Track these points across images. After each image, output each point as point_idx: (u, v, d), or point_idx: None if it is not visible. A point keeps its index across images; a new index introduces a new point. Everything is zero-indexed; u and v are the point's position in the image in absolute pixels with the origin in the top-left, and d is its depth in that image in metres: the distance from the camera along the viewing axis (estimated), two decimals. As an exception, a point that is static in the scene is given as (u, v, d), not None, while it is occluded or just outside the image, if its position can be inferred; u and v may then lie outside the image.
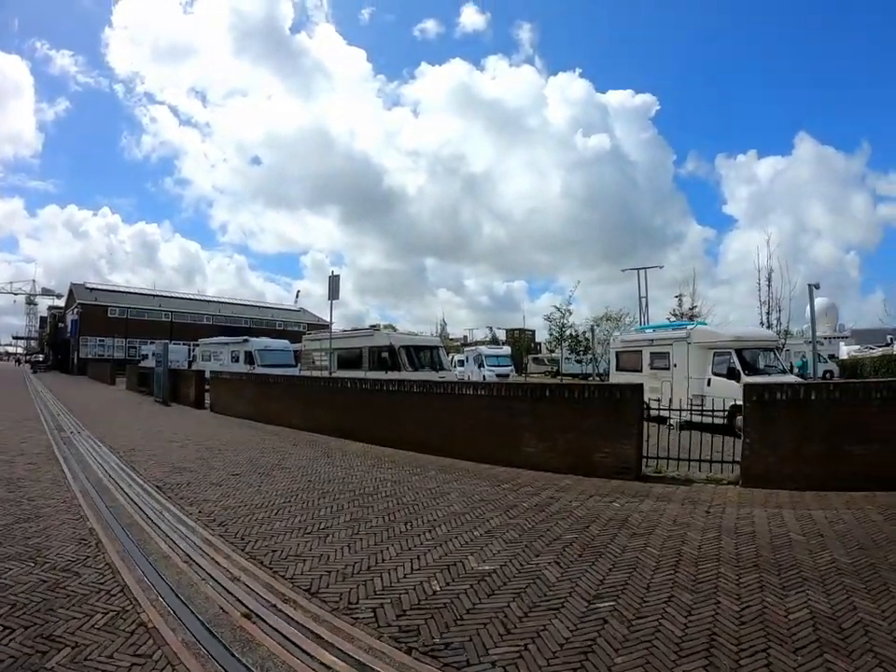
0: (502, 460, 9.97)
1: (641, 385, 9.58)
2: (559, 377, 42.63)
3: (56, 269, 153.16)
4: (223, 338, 35.34)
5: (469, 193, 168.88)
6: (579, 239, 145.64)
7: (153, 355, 24.47)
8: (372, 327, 32.80)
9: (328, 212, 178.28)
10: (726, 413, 10.48)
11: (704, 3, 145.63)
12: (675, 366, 16.49)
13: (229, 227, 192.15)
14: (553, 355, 61.70)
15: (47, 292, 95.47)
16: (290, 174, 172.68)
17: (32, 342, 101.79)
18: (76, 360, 61.22)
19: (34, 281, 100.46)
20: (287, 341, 33.64)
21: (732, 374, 14.42)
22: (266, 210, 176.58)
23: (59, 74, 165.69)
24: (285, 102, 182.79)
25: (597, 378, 41.07)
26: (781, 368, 15.90)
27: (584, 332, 43.28)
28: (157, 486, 8.07)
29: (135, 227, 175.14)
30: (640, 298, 44.56)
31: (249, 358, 29.38)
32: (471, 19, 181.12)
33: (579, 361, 45.96)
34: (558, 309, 42.62)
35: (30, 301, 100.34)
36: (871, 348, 37.94)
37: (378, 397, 12.61)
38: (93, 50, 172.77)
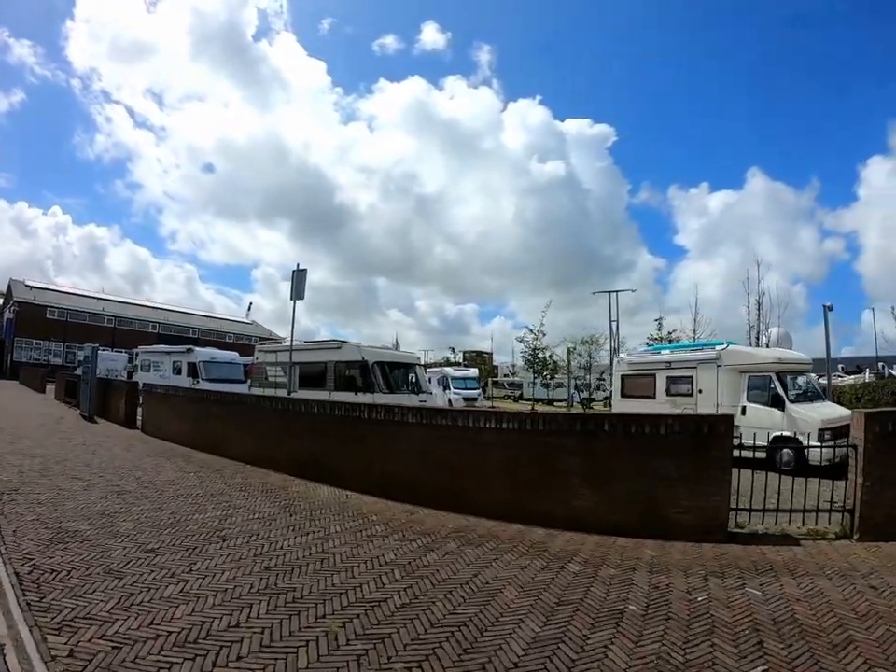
0: (538, 517, 7.28)
1: (731, 415, 7.26)
2: (532, 404, 39.81)
3: (0, 267, 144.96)
4: (165, 346, 31.38)
5: (421, 213, 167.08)
6: (530, 264, 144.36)
7: (84, 359, 20.87)
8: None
9: (278, 225, 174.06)
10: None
11: (662, 37, 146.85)
12: (700, 392, 14.06)
13: (178, 235, 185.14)
14: (515, 378, 59.50)
15: None
16: (243, 184, 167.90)
17: None
18: (9, 363, 55.94)
19: None
20: (235, 353, 30.02)
21: (775, 401, 12.29)
22: (216, 220, 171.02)
23: (16, 63, 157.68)
24: (241, 110, 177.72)
25: (580, 406, 38.71)
26: (818, 393, 13.63)
27: (551, 355, 40.94)
28: (16, 574, 4.82)
29: (85, 229, 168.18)
30: (611, 321, 43.12)
31: (193, 371, 25.71)
32: (431, 37, 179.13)
33: (545, 385, 43.48)
34: (531, 330, 39.99)
35: None
36: (840, 376, 36.74)
37: (358, 427, 9.51)
38: (53, 43, 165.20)
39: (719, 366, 13.77)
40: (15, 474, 9.04)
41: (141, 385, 18.59)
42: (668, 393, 14.98)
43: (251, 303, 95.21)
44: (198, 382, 24.82)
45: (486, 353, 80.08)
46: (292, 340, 16.19)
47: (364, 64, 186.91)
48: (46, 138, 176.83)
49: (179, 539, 6.10)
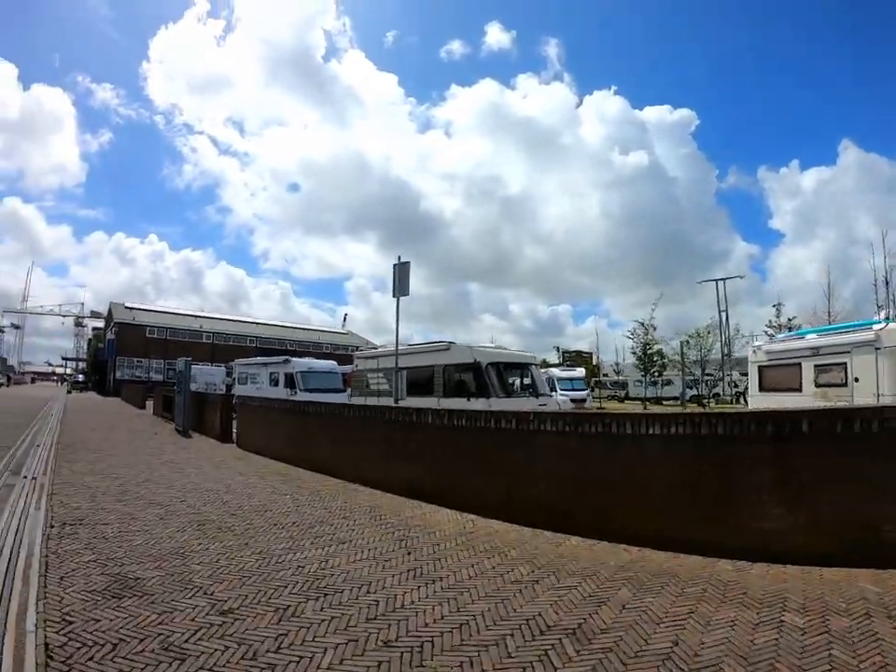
0: (716, 546, 5.65)
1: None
2: (644, 403, 37.28)
3: (105, 294, 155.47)
4: (261, 358, 31.15)
5: (508, 216, 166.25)
6: (620, 260, 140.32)
7: (178, 373, 20.47)
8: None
9: (367, 238, 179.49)
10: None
11: (736, 13, 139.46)
12: (856, 381, 11.98)
13: (271, 254, 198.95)
14: (619, 377, 56.82)
15: (95, 314, 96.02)
16: (328, 200, 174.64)
17: (80, 363, 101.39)
18: (112, 381, 59.00)
19: (82, 304, 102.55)
20: (334, 361, 29.29)
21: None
22: (306, 237, 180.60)
23: (100, 106, 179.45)
24: (320, 129, 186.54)
25: (698, 404, 36.01)
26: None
27: (659, 350, 38.45)
28: (45, 647, 3.59)
29: (181, 254, 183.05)
30: (720, 311, 40.53)
31: (290, 382, 25.09)
32: (496, 37, 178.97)
33: (654, 383, 40.93)
34: (642, 324, 37.62)
35: (78, 323, 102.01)
36: None
37: (482, 439, 7.95)
38: (133, 84, 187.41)
39: (878, 349, 11.62)
40: (86, 499, 8.04)
41: (235, 397, 17.84)
42: (817, 384, 12.94)
43: (346, 314, 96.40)
44: (295, 393, 24.13)
45: (585, 352, 77.21)
46: (397, 342, 14.84)
47: (433, 72, 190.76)
48: (136, 172, 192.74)
49: (267, 592, 4.68)
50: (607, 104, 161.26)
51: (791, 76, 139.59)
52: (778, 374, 14.20)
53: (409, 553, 5.84)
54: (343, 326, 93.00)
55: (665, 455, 6.17)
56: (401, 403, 13.60)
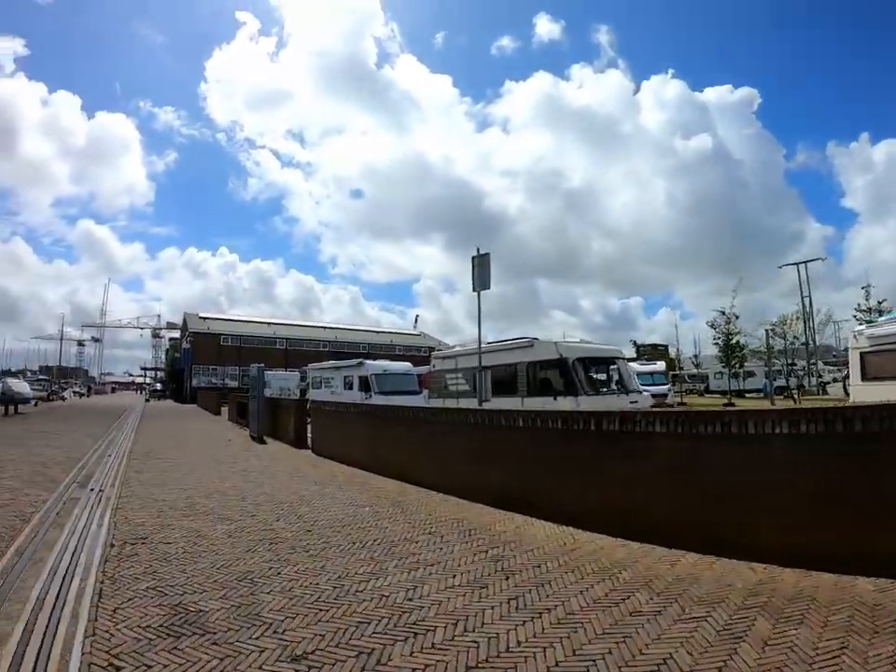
0: (848, 560, 4.88)
1: None
2: (728, 396, 35.33)
3: (179, 306, 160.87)
4: (335, 362, 30.93)
5: (572, 209, 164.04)
6: (689, 249, 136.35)
7: (251, 379, 20.31)
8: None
9: (432, 239, 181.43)
10: None
11: None
12: None
13: (339, 259, 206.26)
14: (698, 370, 54.50)
15: (171, 325, 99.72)
16: (392, 204, 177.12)
17: (158, 372, 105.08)
18: (189, 389, 61.07)
19: (158, 316, 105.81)
20: (409, 363, 28.77)
21: None
22: (373, 241, 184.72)
23: (163, 128, 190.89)
24: (379, 135, 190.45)
25: (785, 397, 33.95)
26: None
27: (738, 342, 36.46)
28: None
29: (252, 264, 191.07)
30: (803, 297, 38.23)
31: (365, 385, 24.63)
32: (546, 28, 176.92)
33: (735, 375, 38.83)
34: (723, 313, 35.75)
35: (155, 335, 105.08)
36: None
37: (579, 443, 7.12)
38: (193, 104, 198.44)
39: None
40: (152, 514, 7.59)
41: (310, 401, 17.47)
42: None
43: (417, 315, 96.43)
44: (370, 396, 23.72)
45: (661, 345, 74.58)
46: (480, 340, 14.04)
47: (486, 70, 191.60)
48: (203, 189, 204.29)
49: (347, 630, 3.97)
50: (665, 88, 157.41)
51: (854, 44, 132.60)
52: (887, 361, 12.79)
53: (507, 578, 5.06)
54: (415, 327, 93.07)
55: (793, 457, 5.28)
56: (488, 405, 12.80)
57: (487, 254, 12.74)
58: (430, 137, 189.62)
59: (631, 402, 15.47)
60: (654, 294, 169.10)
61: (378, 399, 22.75)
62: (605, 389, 16.23)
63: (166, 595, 4.65)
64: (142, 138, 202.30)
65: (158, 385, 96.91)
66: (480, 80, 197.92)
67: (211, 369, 63.33)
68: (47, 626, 4.05)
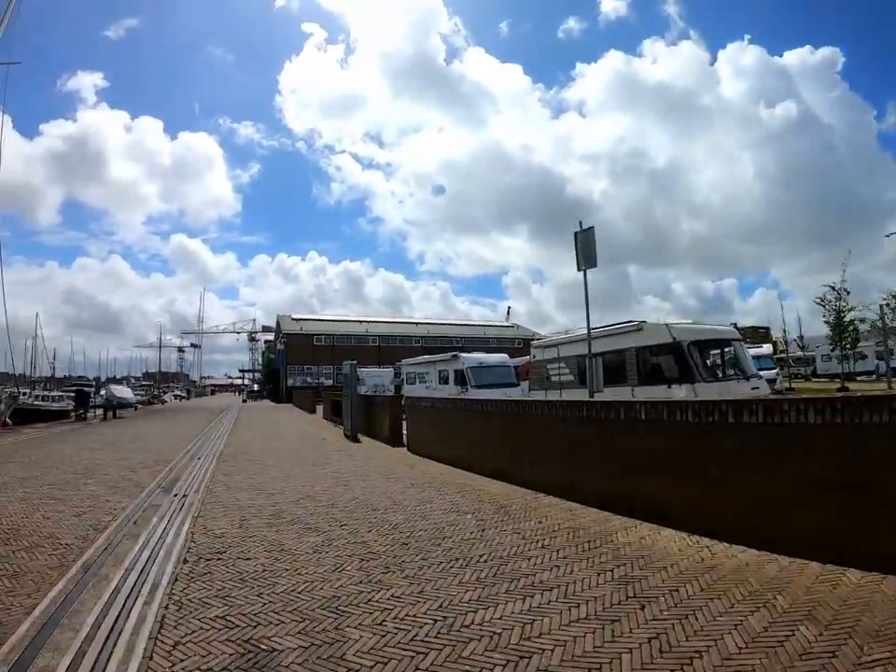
0: None
1: None
2: (841, 381, 32.58)
3: (273, 309, 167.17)
4: (429, 356, 30.44)
5: (657, 190, 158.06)
6: (782, 224, 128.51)
7: (344, 377, 19.94)
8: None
9: (517, 230, 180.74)
10: None
11: None
12: None
13: (426, 256, 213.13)
14: (804, 353, 51.14)
15: (266, 329, 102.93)
16: (474, 198, 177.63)
17: (255, 373, 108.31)
18: (284, 389, 62.76)
19: (253, 320, 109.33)
20: (505, 354, 27.90)
21: None
22: (458, 236, 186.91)
23: (244, 142, 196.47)
24: (455, 130, 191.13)
25: None
26: None
27: (851, 321, 33.75)
28: None
29: (341, 266, 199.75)
30: None
31: (461, 378, 23.97)
32: (612, 6, 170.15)
33: (845, 357, 35.91)
34: (833, 289, 33.21)
35: (251, 338, 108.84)
36: None
37: (720, 436, 5.96)
38: (270, 117, 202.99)
39: None
40: (234, 523, 7.02)
41: (404, 397, 16.88)
42: None
43: (510, 307, 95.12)
44: (466, 390, 23.03)
45: (761, 328, 70.59)
46: (588, 324, 12.91)
47: (555, 55, 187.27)
48: (288, 196, 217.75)
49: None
50: (743, 55, 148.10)
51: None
52: None
53: (642, 608, 4.09)
54: (508, 319, 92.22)
55: None
56: (600, 396, 11.71)
57: (591, 228, 11.59)
58: (506, 128, 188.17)
59: (752, 388, 14.13)
60: (748, 274, 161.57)
61: (475, 393, 22.06)
62: (723, 375, 14.85)
63: (236, 626, 3.95)
64: (224, 153, 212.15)
65: (255, 385, 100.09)
66: (550, 66, 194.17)
67: (305, 368, 64.82)
68: (95, 663, 3.43)
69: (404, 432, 15.34)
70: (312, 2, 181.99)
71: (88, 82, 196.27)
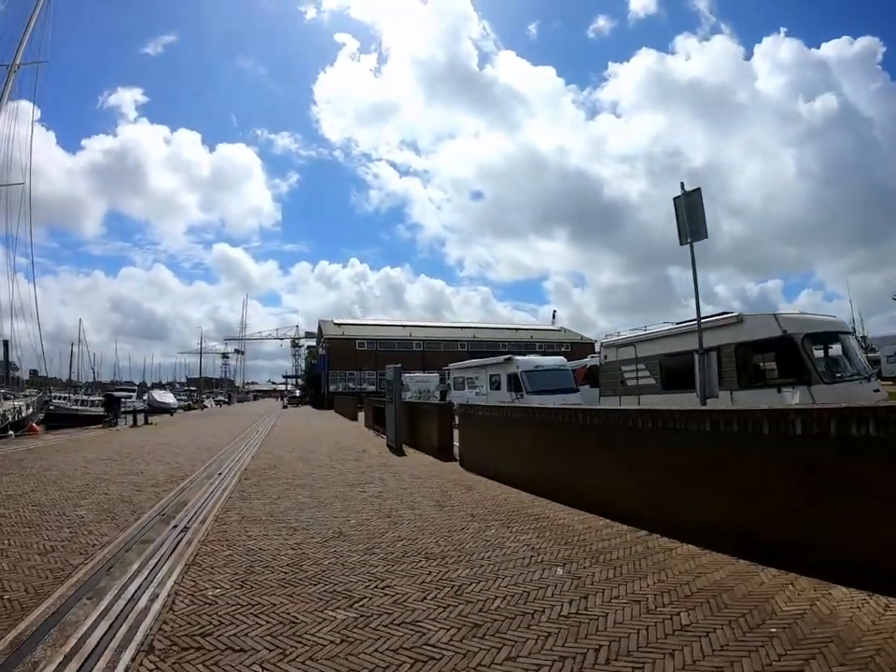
0: None
1: None
2: None
3: (315, 317, 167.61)
4: (478, 360, 28.50)
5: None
6: (825, 222, 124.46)
7: (387, 382, 18.17)
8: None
9: (555, 234, 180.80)
10: None
11: None
12: None
13: (465, 262, 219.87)
14: (867, 354, 47.98)
15: (309, 335, 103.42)
16: (512, 202, 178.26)
17: (298, 379, 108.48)
18: (326, 394, 62.07)
19: (296, 326, 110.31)
20: (562, 357, 25.77)
21: None
22: (496, 241, 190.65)
23: (282, 152, 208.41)
24: (490, 135, 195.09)
25: None
26: None
27: None
28: None
29: (381, 272, 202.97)
30: None
31: (515, 383, 21.98)
32: (641, 3, 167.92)
33: None
34: None
35: (294, 344, 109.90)
36: None
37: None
38: (307, 127, 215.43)
39: None
40: (235, 579, 5.13)
41: (455, 405, 14.96)
42: None
43: (555, 311, 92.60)
44: (521, 396, 21.07)
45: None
46: (699, 314, 10.74)
47: (586, 54, 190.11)
48: (327, 204, 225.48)
49: None
50: (779, 49, 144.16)
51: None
52: None
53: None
54: (553, 322, 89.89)
55: None
56: (714, 402, 9.55)
57: (697, 190, 9.42)
58: (541, 131, 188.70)
59: (874, 391, 12.04)
60: (793, 275, 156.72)
61: (531, 400, 20.13)
62: (842, 375, 12.45)
63: None
64: (263, 163, 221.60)
65: (297, 391, 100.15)
66: (582, 66, 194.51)
67: (348, 374, 64.02)
68: None
69: (455, 444, 13.40)
70: (343, 13, 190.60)
71: (128, 98, 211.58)
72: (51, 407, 34.89)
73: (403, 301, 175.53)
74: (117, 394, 35.76)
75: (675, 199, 9.63)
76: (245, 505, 8.43)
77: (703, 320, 12.76)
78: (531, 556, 5.61)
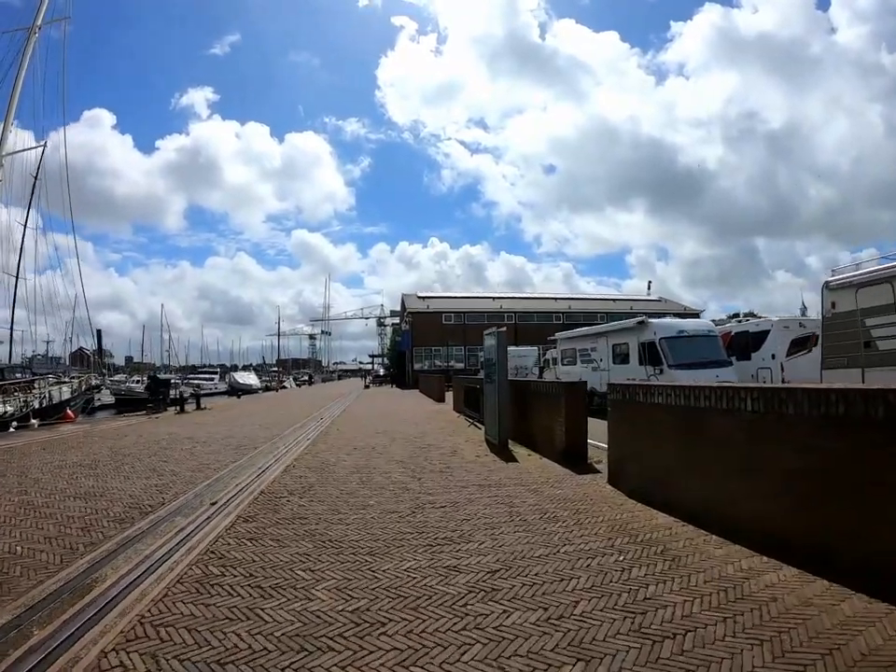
0: None
1: None
2: None
3: (397, 297, 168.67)
4: (596, 326, 23.42)
5: (778, 153, 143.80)
6: None
7: (486, 356, 13.63)
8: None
9: (633, 206, 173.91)
10: None
11: None
12: None
13: (542, 238, 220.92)
14: None
15: (394, 314, 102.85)
16: (586, 175, 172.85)
17: (384, 358, 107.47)
18: (411, 372, 59.65)
19: (381, 306, 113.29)
20: (709, 321, 20.68)
21: None
22: (573, 216, 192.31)
23: (351, 138, 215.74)
24: (558, 107, 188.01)
25: None
26: None
27: None
28: None
29: (461, 251, 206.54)
30: None
31: (651, 355, 16.84)
32: None
33: None
34: None
35: (380, 324, 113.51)
36: None
37: None
38: (374, 112, 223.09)
39: None
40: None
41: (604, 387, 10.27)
42: None
43: (650, 281, 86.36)
44: (661, 371, 16.16)
45: None
46: None
47: (648, 15, 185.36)
48: (401, 186, 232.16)
49: None
50: None
51: None
52: None
53: None
54: (649, 293, 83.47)
55: None
56: None
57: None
58: (610, 99, 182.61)
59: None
60: (888, 242, 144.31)
61: (675, 376, 15.12)
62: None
63: None
64: (333, 150, 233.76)
65: (381, 370, 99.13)
66: (643, 27, 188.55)
67: (433, 350, 60.43)
68: None
69: (603, 446, 8.75)
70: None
71: (199, 97, 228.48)
72: (99, 392, 32.60)
73: (484, 278, 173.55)
74: (161, 377, 32.53)
75: None
76: (255, 546, 4.12)
77: None
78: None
